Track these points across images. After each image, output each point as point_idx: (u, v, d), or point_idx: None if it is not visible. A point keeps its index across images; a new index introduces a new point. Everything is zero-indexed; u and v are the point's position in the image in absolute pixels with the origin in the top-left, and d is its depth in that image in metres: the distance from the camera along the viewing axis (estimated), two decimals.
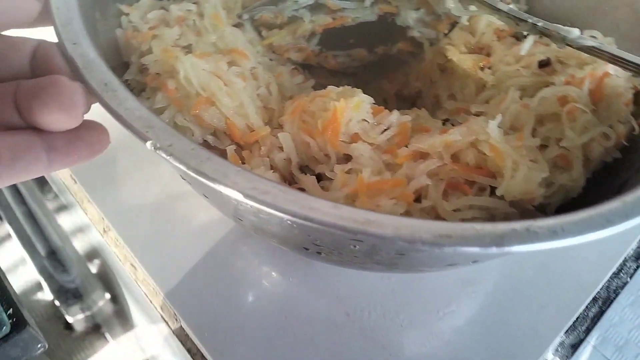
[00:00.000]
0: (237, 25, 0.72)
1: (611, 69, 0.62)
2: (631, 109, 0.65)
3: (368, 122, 0.60)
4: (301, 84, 0.76)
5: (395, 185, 0.53)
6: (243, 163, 0.56)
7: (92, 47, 0.48)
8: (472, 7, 0.68)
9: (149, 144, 0.41)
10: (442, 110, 0.78)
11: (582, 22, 0.75)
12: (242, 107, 0.58)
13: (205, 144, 0.58)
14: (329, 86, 0.62)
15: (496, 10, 0.65)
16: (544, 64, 0.71)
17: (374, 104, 0.62)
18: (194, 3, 0.72)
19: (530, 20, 0.62)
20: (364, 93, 0.88)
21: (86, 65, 0.45)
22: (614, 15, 0.72)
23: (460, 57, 0.82)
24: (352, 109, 0.58)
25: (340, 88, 0.63)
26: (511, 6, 0.64)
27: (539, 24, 0.62)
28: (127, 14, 0.66)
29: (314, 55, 0.81)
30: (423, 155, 0.58)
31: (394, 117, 0.60)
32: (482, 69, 0.80)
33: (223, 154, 0.58)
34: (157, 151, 0.41)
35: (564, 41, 0.61)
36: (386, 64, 0.88)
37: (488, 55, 0.81)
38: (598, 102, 0.63)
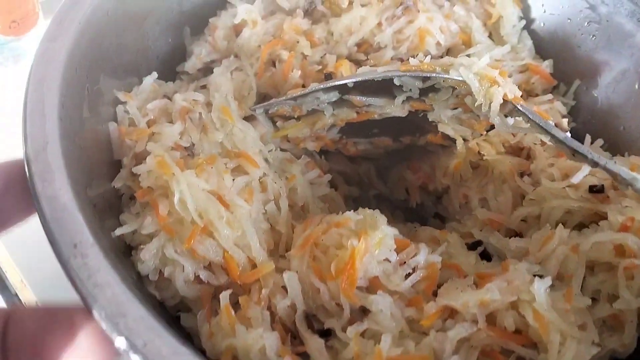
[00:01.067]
0: (248, 117, 0.63)
1: None
2: None
3: (390, 262, 0.51)
4: (316, 179, 0.67)
5: None
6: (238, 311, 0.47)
7: (67, 180, 0.40)
8: (521, 124, 0.59)
9: (118, 340, 0.33)
10: (473, 219, 0.69)
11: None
12: (244, 237, 0.49)
13: (197, 280, 0.49)
14: (347, 213, 0.53)
15: (551, 136, 0.55)
16: (596, 190, 0.62)
17: (396, 233, 0.52)
18: (202, 87, 0.63)
19: (590, 157, 0.53)
20: (386, 180, 0.81)
21: (56, 216, 0.37)
22: None
23: (496, 158, 0.73)
24: (374, 245, 0.49)
25: (360, 214, 0.54)
26: (568, 135, 0.55)
27: (601, 162, 0.53)
28: (124, 103, 0.58)
29: (332, 143, 0.72)
30: (452, 313, 0.49)
31: (422, 257, 0.51)
32: (521, 175, 0.71)
33: (217, 290, 0.49)
34: (129, 353, 0.33)
35: (628, 186, 0.52)
36: (412, 153, 0.79)
37: (528, 158, 0.72)
38: None
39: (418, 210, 0.80)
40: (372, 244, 0.50)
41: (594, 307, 0.53)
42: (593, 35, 0.75)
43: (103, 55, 0.57)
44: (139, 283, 0.49)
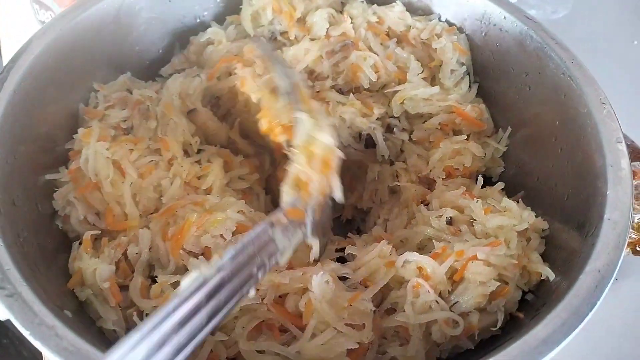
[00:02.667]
0: (191, 112, 0.79)
1: (483, 252, 0.56)
2: (505, 304, 0.57)
3: (225, 239, 0.63)
4: (244, 175, 0.80)
5: None
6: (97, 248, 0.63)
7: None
8: None
9: None
10: (367, 236, 0.76)
11: None
12: (123, 197, 0.65)
13: (85, 221, 0.67)
14: (208, 196, 0.66)
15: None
16: (448, 222, 0.66)
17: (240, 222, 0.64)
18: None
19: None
20: None
21: None
22: None
23: (405, 185, 0.79)
24: (209, 223, 0.62)
25: (222, 200, 0.66)
26: None
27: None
28: (97, 91, 0.78)
29: None
30: None
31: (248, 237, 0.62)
32: (421, 203, 0.76)
33: (102, 232, 0.66)
34: None
35: None
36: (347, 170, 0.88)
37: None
38: (458, 284, 0.57)
39: (345, 225, 0.89)
40: (209, 221, 0.62)
41: (388, 316, 0.59)
42: (530, 87, 0.78)
43: (93, 53, 0.78)
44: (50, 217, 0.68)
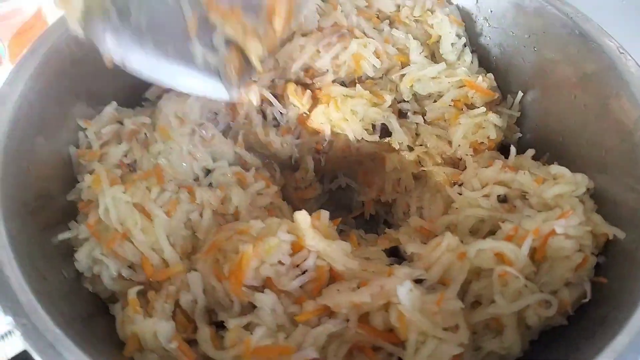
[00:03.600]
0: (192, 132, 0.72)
1: (560, 225, 0.55)
2: (587, 273, 0.57)
3: (284, 265, 0.58)
4: (262, 189, 0.75)
5: (283, 353, 0.50)
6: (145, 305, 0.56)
7: None
8: None
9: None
10: (405, 227, 0.74)
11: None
12: (158, 242, 0.58)
13: (119, 277, 0.59)
14: (252, 221, 0.60)
15: None
16: (501, 200, 0.65)
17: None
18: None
19: None
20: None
21: None
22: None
23: (432, 169, 0.77)
24: (265, 251, 0.57)
25: (266, 222, 0.61)
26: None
27: None
28: (84, 129, 0.69)
29: None
30: (332, 313, 0.55)
31: (311, 261, 0.58)
32: (454, 184, 0.74)
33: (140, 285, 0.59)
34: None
35: None
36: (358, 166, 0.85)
37: (465, 169, 0.75)
38: (540, 264, 0.56)
39: (370, 222, 0.85)
40: (264, 249, 0.57)
41: (475, 311, 0.57)
42: (535, 47, 0.77)
43: (71, 85, 0.68)
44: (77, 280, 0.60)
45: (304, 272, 0.58)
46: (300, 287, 0.58)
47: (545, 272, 0.56)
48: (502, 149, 0.78)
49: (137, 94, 0.80)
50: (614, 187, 0.63)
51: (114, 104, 0.74)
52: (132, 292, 0.56)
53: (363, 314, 0.55)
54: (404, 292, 0.53)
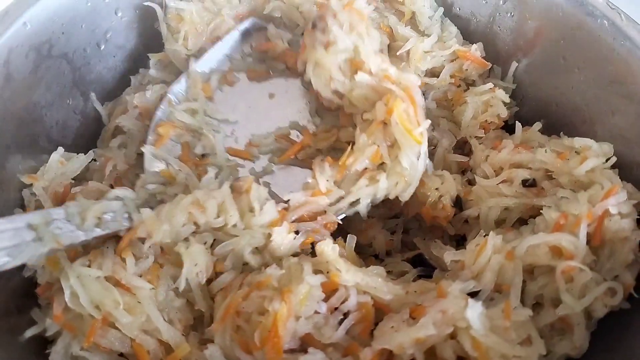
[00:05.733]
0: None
1: (612, 203, 0.51)
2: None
3: (320, 313, 0.48)
4: None
5: None
6: None
7: None
8: None
9: None
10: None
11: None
12: (150, 321, 0.46)
13: None
14: (268, 269, 0.50)
15: None
16: (528, 185, 0.60)
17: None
18: None
19: None
20: None
21: None
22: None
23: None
24: (299, 304, 0.47)
25: (284, 266, 0.51)
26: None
27: None
28: (29, 185, 0.55)
29: None
30: (391, 354, 0.47)
31: (352, 300, 0.49)
32: (463, 172, 0.69)
33: None
34: None
35: None
36: None
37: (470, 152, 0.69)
38: (599, 249, 0.52)
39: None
40: (297, 302, 0.47)
41: (539, 313, 0.52)
42: (510, 13, 0.73)
43: None
44: None
45: (345, 315, 0.50)
46: (346, 333, 0.49)
47: (607, 258, 0.52)
48: None
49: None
50: (634, 149, 0.61)
51: (61, 149, 0.61)
52: None
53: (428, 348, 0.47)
54: (475, 315, 0.46)
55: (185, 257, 0.50)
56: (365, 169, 0.58)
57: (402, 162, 0.56)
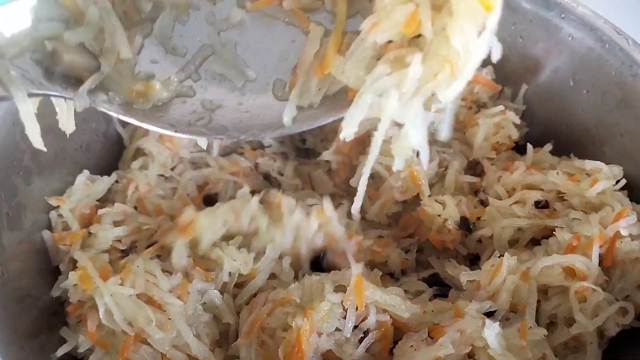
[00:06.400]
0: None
1: (623, 225, 0.53)
2: None
3: (341, 330, 0.50)
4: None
5: None
6: None
7: None
8: None
9: None
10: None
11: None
12: (180, 336, 0.48)
13: None
14: (291, 286, 0.53)
15: None
16: (541, 206, 0.62)
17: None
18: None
19: None
20: None
21: None
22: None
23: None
24: (320, 321, 0.49)
25: (304, 283, 0.53)
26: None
27: None
28: (56, 207, 0.57)
29: None
30: None
31: (372, 318, 0.51)
32: (476, 193, 0.71)
33: None
34: None
35: None
36: None
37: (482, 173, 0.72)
38: (611, 270, 0.54)
39: None
40: (319, 318, 0.49)
41: (553, 332, 0.54)
42: (520, 37, 0.75)
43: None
44: None
45: (365, 333, 0.52)
46: (366, 351, 0.51)
47: (618, 278, 0.55)
48: None
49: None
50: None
51: (86, 172, 0.64)
52: None
53: None
54: (493, 335, 0.48)
55: (225, 255, 0.53)
56: (389, 42, 0.39)
57: (451, 39, 0.37)
